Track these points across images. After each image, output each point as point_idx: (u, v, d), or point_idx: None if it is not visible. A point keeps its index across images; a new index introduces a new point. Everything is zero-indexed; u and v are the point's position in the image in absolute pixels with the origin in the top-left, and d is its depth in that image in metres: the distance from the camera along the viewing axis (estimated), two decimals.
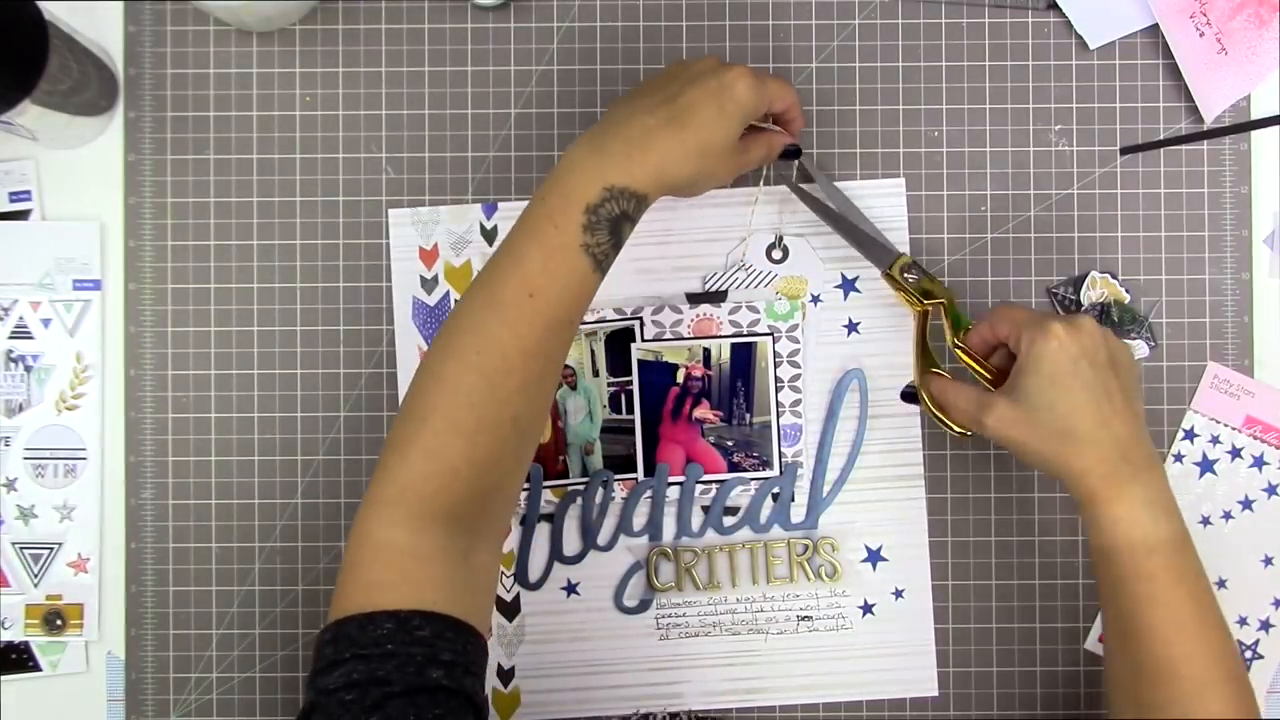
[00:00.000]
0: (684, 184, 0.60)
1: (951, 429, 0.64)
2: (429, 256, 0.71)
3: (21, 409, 0.71)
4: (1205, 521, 0.71)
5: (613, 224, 0.58)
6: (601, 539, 0.71)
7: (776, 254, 0.71)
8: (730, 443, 0.71)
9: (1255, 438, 0.71)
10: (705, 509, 0.71)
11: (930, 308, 0.67)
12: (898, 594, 0.71)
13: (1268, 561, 0.71)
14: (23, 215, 0.71)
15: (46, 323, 0.71)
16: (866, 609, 0.71)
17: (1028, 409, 0.59)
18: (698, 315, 0.70)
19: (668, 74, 0.61)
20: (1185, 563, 0.58)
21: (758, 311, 0.70)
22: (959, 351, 0.65)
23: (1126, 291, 0.71)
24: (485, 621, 0.57)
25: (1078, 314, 0.61)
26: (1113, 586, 0.59)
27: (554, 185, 0.58)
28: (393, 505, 0.55)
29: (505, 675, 0.71)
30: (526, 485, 0.70)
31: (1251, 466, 0.71)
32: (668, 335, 0.70)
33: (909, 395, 0.70)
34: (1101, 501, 0.58)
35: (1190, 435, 0.71)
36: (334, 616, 0.54)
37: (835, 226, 0.69)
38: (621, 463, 0.70)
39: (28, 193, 0.71)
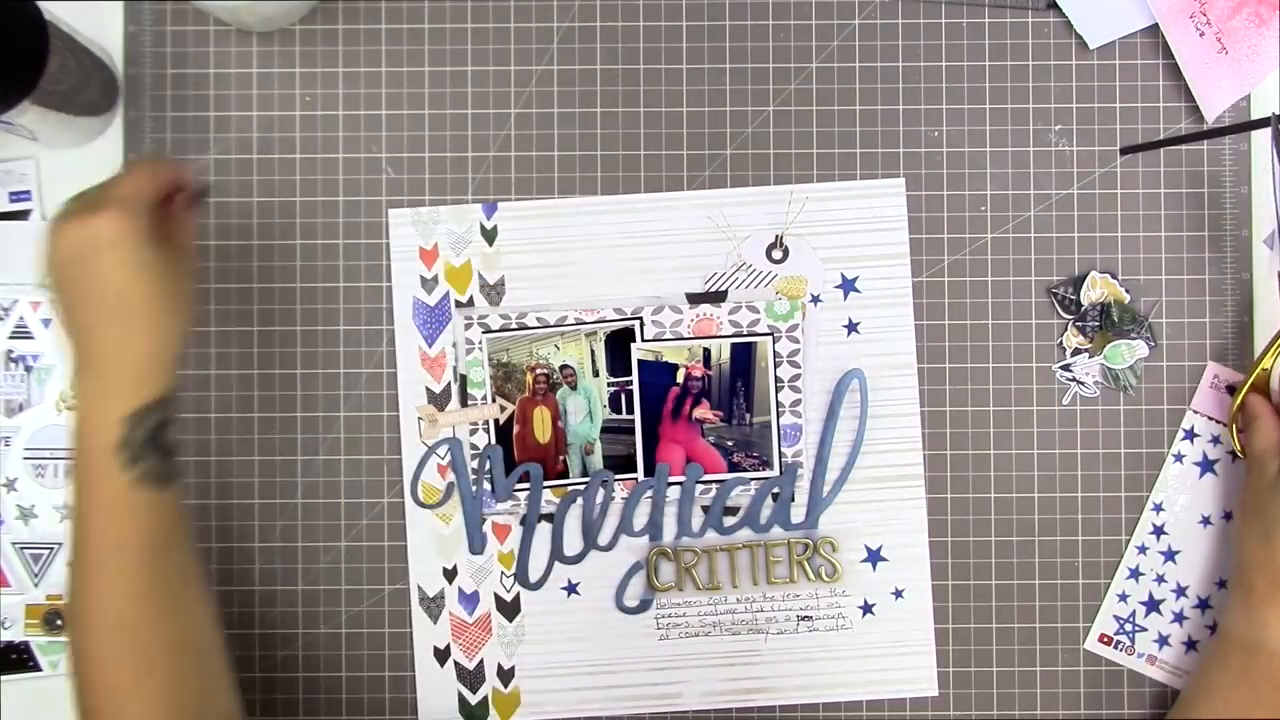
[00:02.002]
0: (172, 337, 0.56)
1: (1234, 441, 0.68)
2: (429, 256, 0.71)
3: (21, 409, 0.71)
4: (1205, 521, 0.71)
5: (151, 442, 0.55)
6: (602, 539, 0.71)
7: (776, 254, 0.71)
8: (730, 443, 0.71)
9: None
10: (705, 509, 0.71)
11: None
12: (898, 594, 0.71)
13: None
14: (23, 215, 0.71)
15: (47, 323, 0.71)
16: (866, 609, 0.71)
17: (1272, 498, 0.64)
18: (698, 315, 0.70)
19: (62, 268, 0.55)
20: None
21: (758, 311, 0.70)
22: None
23: (1126, 291, 0.71)
24: None
25: None
26: (1234, 679, 0.63)
27: (73, 438, 0.55)
28: None
29: (505, 675, 0.71)
30: (527, 485, 0.70)
31: None
32: (668, 335, 0.70)
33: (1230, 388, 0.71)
34: (1260, 600, 0.63)
35: (1190, 435, 0.71)
36: None
37: None
38: (621, 463, 0.71)
39: (28, 193, 0.71)
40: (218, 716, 0.59)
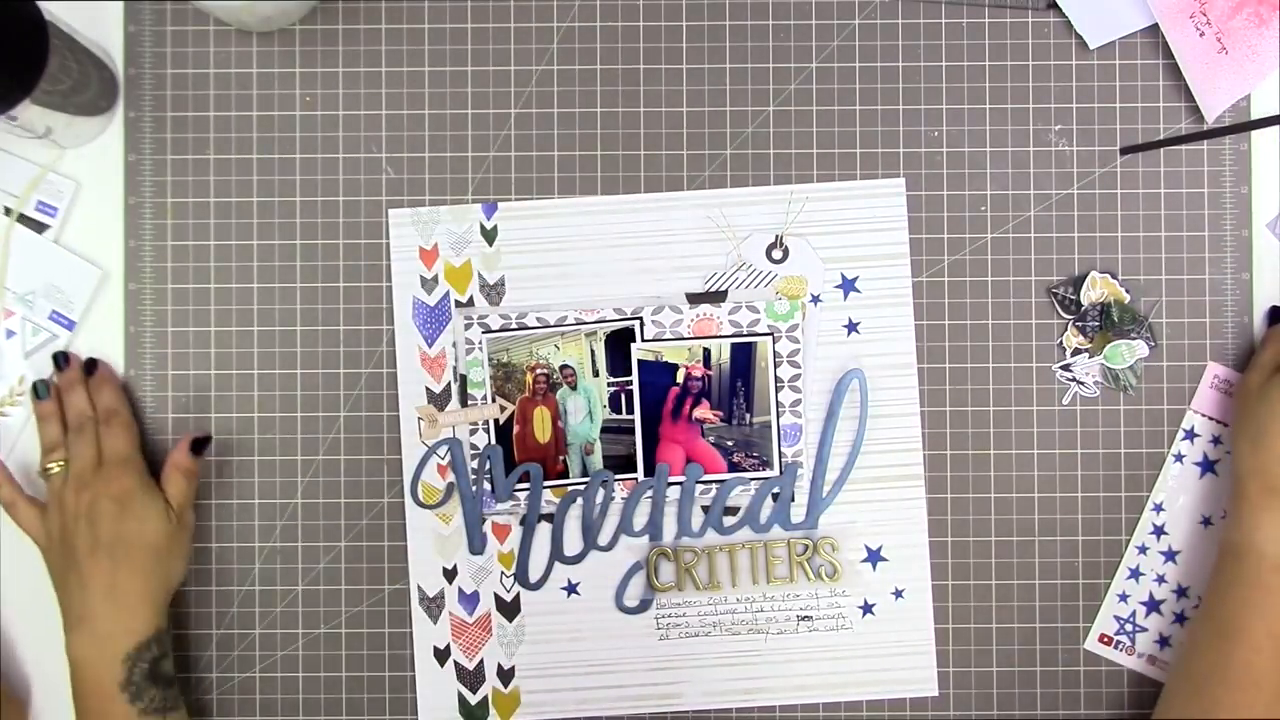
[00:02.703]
0: (166, 580, 0.65)
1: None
2: (429, 256, 0.71)
3: None
4: (1206, 522, 0.71)
5: (152, 676, 0.62)
6: (602, 539, 0.71)
7: (776, 254, 0.71)
8: (730, 443, 0.71)
9: None
10: (705, 509, 0.71)
11: None
12: (898, 594, 0.71)
13: None
14: (41, 227, 0.70)
15: (10, 334, 0.70)
16: (866, 609, 0.71)
17: (1268, 403, 0.64)
18: (698, 315, 0.70)
19: (71, 522, 0.64)
20: None
21: (758, 311, 0.70)
22: None
23: (1126, 291, 0.71)
24: None
25: None
26: (1226, 584, 0.64)
27: (75, 683, 0.62)
28: None
29: (505, 675, 0.71)
30: (527, 485, 0.70)
31: None
32: (668, 335, 0.70)
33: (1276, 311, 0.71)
34: (1251, 505, 0.63)
35: (1190, 435, 0.71)
36: None
37: None
38: (621, 463, 0.71)
39: (54, 209, 0.70)
40: None
